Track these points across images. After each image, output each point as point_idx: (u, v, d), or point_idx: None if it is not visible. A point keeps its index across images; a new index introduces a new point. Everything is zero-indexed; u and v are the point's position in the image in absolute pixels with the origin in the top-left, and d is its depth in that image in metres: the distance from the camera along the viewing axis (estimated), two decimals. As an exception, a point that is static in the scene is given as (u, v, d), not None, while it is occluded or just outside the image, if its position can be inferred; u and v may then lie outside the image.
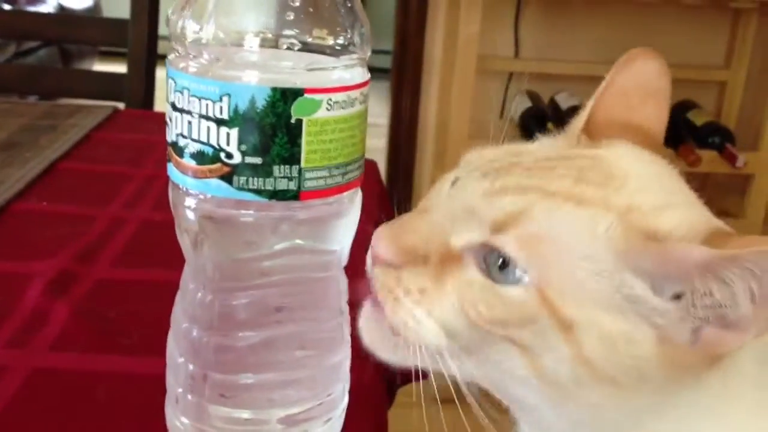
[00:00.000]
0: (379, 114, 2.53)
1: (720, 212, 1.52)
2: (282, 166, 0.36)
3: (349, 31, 0.37)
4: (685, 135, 1.85)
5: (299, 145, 0.36)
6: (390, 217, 0.89)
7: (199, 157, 0.36)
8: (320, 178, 0.37)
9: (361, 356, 0.49)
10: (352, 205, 0.40)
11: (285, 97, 0.35)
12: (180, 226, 0.39)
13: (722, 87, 1.98)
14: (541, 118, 1.86)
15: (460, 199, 0.40)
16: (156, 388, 0.44)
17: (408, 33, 2.09)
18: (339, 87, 0.36)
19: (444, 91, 1.94)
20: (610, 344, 0.36)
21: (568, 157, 0.41)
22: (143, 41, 1.20)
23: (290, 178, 0.36)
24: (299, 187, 0.37)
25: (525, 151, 0.42)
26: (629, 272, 0.36)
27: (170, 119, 0.37)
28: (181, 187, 0.38)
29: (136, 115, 1.12)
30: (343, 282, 0.43)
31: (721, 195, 1.99)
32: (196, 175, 0.37)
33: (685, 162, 1.77)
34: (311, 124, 0.36)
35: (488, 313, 0.37)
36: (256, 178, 0.36)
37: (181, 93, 0.36)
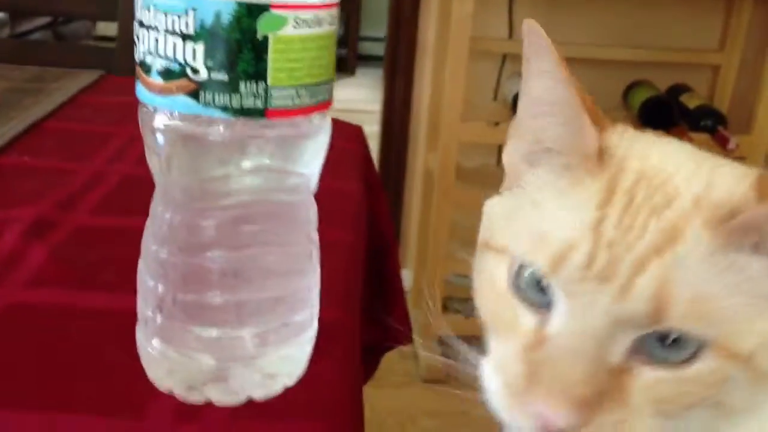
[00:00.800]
0: (374, 100, 2.53)
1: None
2: (248, 83, 0.36)
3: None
4: (677, 118, 1.85)
5: (265, 62, 0.36)
6: (376, 181, 0.90)
7: (166, 73, 0.37)
8: (287, 97, 0.37)
9: (330, 297, 0.49)
10: (321, 128, 0.40)
11: (250, 11, 0.35)
12: (149, 148, 0.40)
13: (716, 70, 1.98)
14: (533, 100, 1.86)
15: (591, 316, 0.35)
16: (131, 323, 0.45)
17: (402, 18, 2.09)
18: (306, 5, 0.37)
19: (437, 73, 1.94)
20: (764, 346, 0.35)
21: (630, 196, 0.37)
22: (133, 12, 1.20)
23: (256, 96, 0.37)
24: (266, 105, 0.37)
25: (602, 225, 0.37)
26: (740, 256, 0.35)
27: (138, 37, 0.38)
28: (149, 106, 0.38)
29: (123, 80, 1.12)
30: (312, 210, 0.43)
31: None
32: (163, 92, 0.37)
33: (677, 144, 1.77)
34: (278, 42, 0.36)
35: (684, 400, 0.35)
36: (222, 95, 0.36)
37: (148, 9, 0.37)
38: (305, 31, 0.37)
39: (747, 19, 1.92)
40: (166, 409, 0.42)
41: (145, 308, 0.42)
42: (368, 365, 0.94)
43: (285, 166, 0.40)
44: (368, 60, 4.10)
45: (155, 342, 0.42)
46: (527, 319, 0.38)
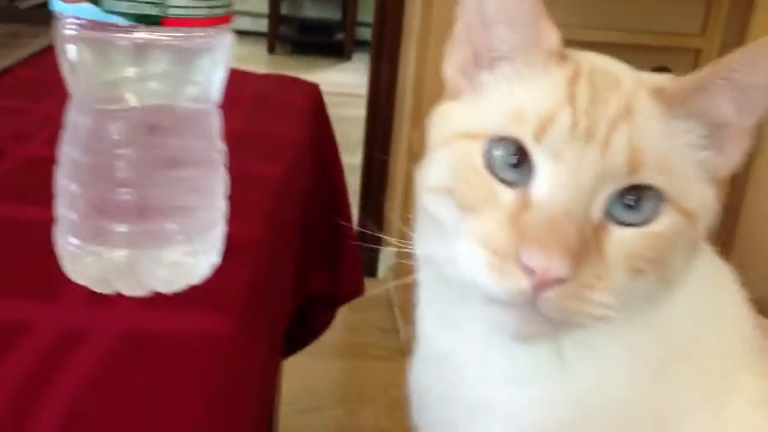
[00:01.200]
0: (362, 85, 2.57)
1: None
2: (145, -8, 0.40)
3: None
4: (656, 100, 1.88)
5: (160, -27, 0.40)
6: (329, 138, 0.94)
7: (72, -18, 0.41)
8: (182, 8, 0.41)
9: (249, 217, 0.53)
10: (218, 41, 0.44)
11: (146, -75, 0.39)
12: (61, 55, 0.44)
13: (697, 54, 2.00)
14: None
15: (580, 172, 0.40)
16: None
17: (388, 2, 2.12)
18: None
19: (421, 50, 1.98)
20: (709, 205, 0.43)
21: (590, 79, 0.44)
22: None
23: (153, 3, 0.41)
24: (162, 14, 0.41)
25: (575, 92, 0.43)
26: (688, 123, 0.43)
27: (49, -50, 0.42)
28: (58, 14, 0.42)
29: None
30: (214, 119, 0.47)
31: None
32: (69, 0, 0.41)
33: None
34: (171, -46, 0.40)
35: (649, 254, 0.41)
36: (121, 2, 0.40)
37: None
38: (198, -55, 0.41)
39: (728, 3, 1.95)
40: (78, 296, 0.46)
41: (60, 207, 0.46)
42: (325, 316, 0.98)
43: (183, 75, 0.44)
44: (365, 45, 4.13)
45: (70, 238, 0.46)
46: (506, 194, 0.42)
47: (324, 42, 4.26)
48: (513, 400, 0.47)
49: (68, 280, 0.47)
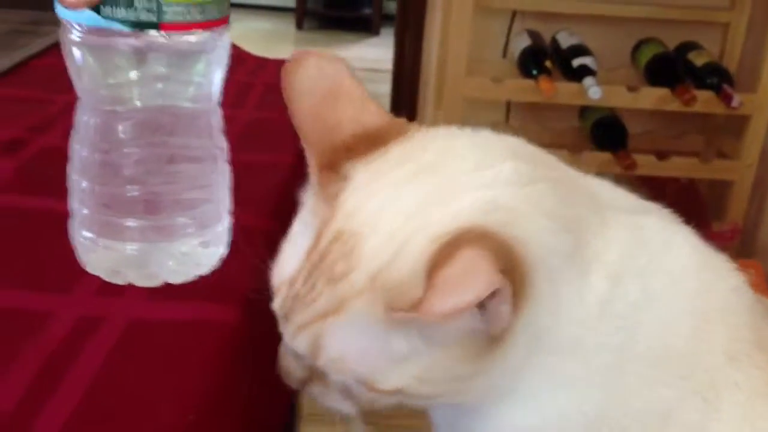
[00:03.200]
0: (388, 60, 2.57)
1: (718, 154, 1.56)
2: (142, -1, 0.42)
3: None
4: (683, 75, 1.86)
5: (157, -20, 0.42)
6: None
7: (74, -10, 0.43)
8: (178, 13, 0.43)
9: (256, 207, 0.55)
10: (216, 43, 0.46)
11: (141, -65, 0.41)
12: (67, 59, 0.46)
13: (726, 28, 1.97)
14: (539, 57, 1.88)
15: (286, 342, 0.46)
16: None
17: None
18: (193, -70, 0.42)
19: (445, 30, 1.98)
20: (425, 380, 0.42)
21: (321, 251, 0.42)
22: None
23: (150, 11, 0.42)
24: (159, 19, 0.43)
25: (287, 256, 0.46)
26: (404, 334, 0.40)
27: (53, -40, 0.44)
28: (63, 21, 0.44)
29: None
30: (215, 117, 0.49)
31: (719, 137, 2.01)
32: (73, 7, 0.43)
33: (681, 101, 1.79)
34: (167, -38, 0.42)
35: (371, 401, 0.45)
36: (120, 9, 0.42)
37: (58, -66, 0.42)
38: (192, -47, 0.42)
39: (758, -24, 1.91)
40: (90, 287, 0.49)
41: (73, 202, 0.49)
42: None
43: (182, 76, 0.46)
44: (383, 19, 4.10)
45: (84, 232, 0.49)
46: None
47: (352, 17, 4.25)
48: None
49: (83, 271, 0.50)
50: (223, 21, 0.46)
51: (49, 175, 0.64)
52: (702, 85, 1.84)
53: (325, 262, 0.42)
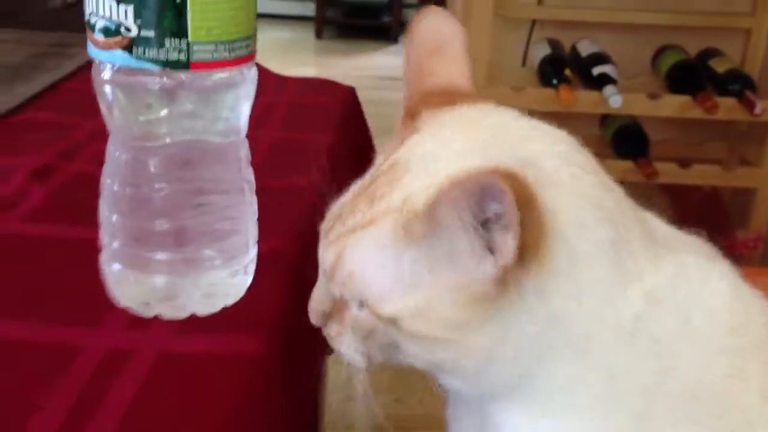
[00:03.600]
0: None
1: (741, 161, 1.54)
2: (172, 39, 0.43)
3: None
4: (704, 82, 1.85)
5: (185, 21, 0.43)
6: (366, 141, 0.96)
7: (106, 31, 0.44)
8: (207, 51, 0.44)
9: (281, 230, 0.56)
10: (244, 78, 0.47)
11: (171, -22, 0.42)
12: (99, 96, 0.47)
13: (747, 35, 1.96)
14: (559, 65, 1.88)
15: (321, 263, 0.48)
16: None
17: (433, -17, 2.12)
18: (220, -29, 0.43)
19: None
20: (420, 316, 0.43)
21: (373, 177, 0.46)
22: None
23: (180, 50, 0.43)
24: (189, 59, 0.44)
25: (351, 188, 0.48)
26: (415, 255, 0.42)
27: (84, 0, 0.45)
28: (95, 60, 0.45)
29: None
30: (243, 149, 0.50)
31: (742, 144, 1.99)
32: (105, 48, 0.44)
33: (703, 109, 1.77)
34: (195, 3, 0.43)
35: (361, 331, 0.46)
36: (150, 49, 0.43)
37: (90, -24, 0.43)
38: (220, -6, 0.43)
39: (780, -19, 1.90)
40: (119, 321, 0.50)
41: (104, 235, 0.50)
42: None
43: (211, 112, 0.47)
44: (403, 26, 4.11)
45: (114, 265, 0.50)
46: None
47: (371, 25, 4.26)
48: None
49: (112, 303, 0.51)
50: (250, 57, 0.46)
51: (79, 201, 0.65)
52: (724, 92, 1.82)
53: (373, 185, 0.45)
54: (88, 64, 0.97)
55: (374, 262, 0.43)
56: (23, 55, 0.98)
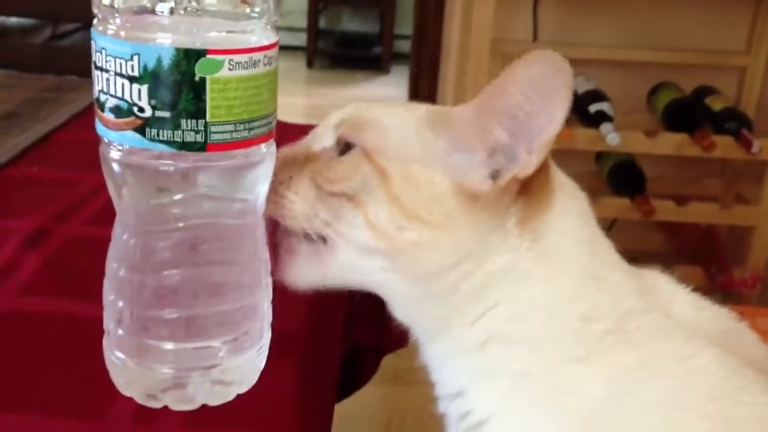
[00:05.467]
0: (399, 98, 2.57)
1: (737, 198, 1.53)
2: (188, 120, 0.40)
3: (253, -3, 0.41)
4: (701, 120, 1.84)
5: (204, 101, 0.40)
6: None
7: (116, 111, 0.40)
8: (226, 132, 0.41)
9: (294, 309, 0.53)
10: (263, 158, 0.44)
11: (188, 56, 0.39)
12: (107, 176, 0.44)
13: (742, 72, 1.96)
14: (555, 102, 1.86)
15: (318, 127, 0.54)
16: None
17: (427, 17, 2.11)
18: (241, 49, 0.40)
19: (460, 74, 1.96)
20: (413, 184, 0.47)
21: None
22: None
23: (197, 131, 0.40)
24: (206, 140, 0.40)
25: None
26: (439, 141, 0.49)
27: (94, 77, 0.41)
28: (104, 139, 0.42)
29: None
30: (260, 231, 0.46)
31: (738, 182, 1.98)
32: (115, 128, 0.41)
33: (700, 147, 1.77)
34: (214, 82, 0.40)
35: (329, 173, 0.49)
36: (165, 131, 0.40)
37: (100, 53, 0.40)
38: (241, 72, 0.40)
39: (774, 20, 1.90)
40: (125, 412, 0.46)
41: (108, 321, 0.46)
42: (370, 365, 0.97)
43: (229, 194, 0.43)
44: (403, 58, 4.10)
45: (117, 353, 0.46)
46: None
47: (362, 55, 4.25)
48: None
49: (116, 392, 0.47)
50: (270, 136, 0.43)
51: (75, 268, 0.62)
52: (720, 130, 1.82)
53: None
54: (83, 112, 0.95)
55: (402, 124, 0.50)
56: (15, 102, 0.94)
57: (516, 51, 1.81)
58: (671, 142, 1.79)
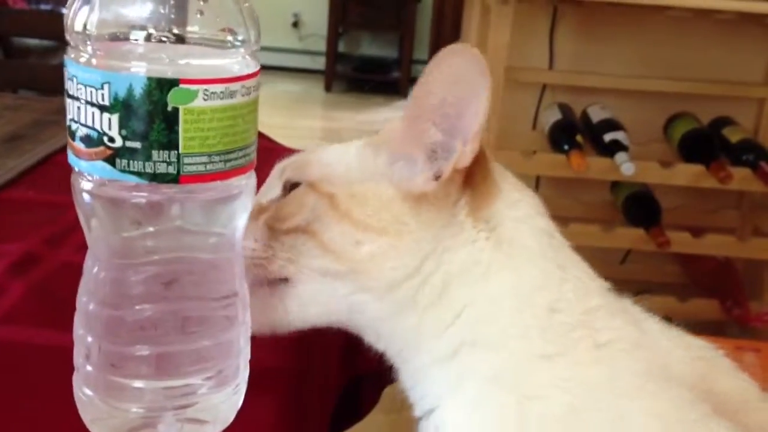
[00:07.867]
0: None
1: (754, 231, 1.49)
2: (160, 151, 0.38)
3: (231, 25, 0.39)
4: (718, 152, 1.81)
5: (176, 132, 0.38)
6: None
7: (87, 140, 0.39)
8: (200, 163, 0.39)
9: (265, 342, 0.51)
10: (240, 190, 0.42)
11: (161, 86, 0.38)
12: (78, 207, 0.42)
13: (761, 104, 1.93)
14: (570, 131, 1.84)
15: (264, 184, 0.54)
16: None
17: (442, 44, 2.10)
18: (216, 78, 0.39)
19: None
20: (360, 199, 0.49)
21: None
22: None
23: (169, 163, 0.39)
24: (179, 171, 0.39)
25: None
26: (380, 156, 0.50)
27: (66, 105, 0.40)
28: (75, 169, 0.41)
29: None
30: (237, 265, 0.45)
31: (756, 214, 1.94)
32: (85, 158, 0.39)
33: (717, 178, 1.73)
34: (188, 113, 0.38)
35: (280, 213, 0.50)
36: (136, 161, 0.39)
37: (72, 81, 0.39)
38: (216, 102, 0.39)
39: (794, 51, 1.87)
40: (93, 452, 0.44)
41: (77, 356, 0.45)
42: (371, 395, 0.95)
43: (204, 227, 0.42)
44: (412, 82, 4.10)
45: (85, 389, 0.44)
46: None
47: (380, 80, 4.26)
48: None
49: (84, 429, 0.45)
50: (248, 168, 0.42)
51: (60, 297, 0.60)
52: (737, 162, 1.78)
53: None
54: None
55: (342, 156, 0.52)
56: (19, 124, 0.94)
57: (531, 79, 1.79)
58: (687, 173, 1.76)
